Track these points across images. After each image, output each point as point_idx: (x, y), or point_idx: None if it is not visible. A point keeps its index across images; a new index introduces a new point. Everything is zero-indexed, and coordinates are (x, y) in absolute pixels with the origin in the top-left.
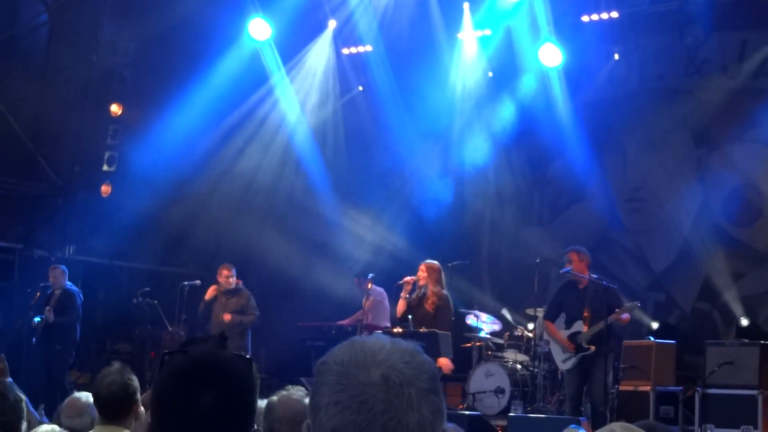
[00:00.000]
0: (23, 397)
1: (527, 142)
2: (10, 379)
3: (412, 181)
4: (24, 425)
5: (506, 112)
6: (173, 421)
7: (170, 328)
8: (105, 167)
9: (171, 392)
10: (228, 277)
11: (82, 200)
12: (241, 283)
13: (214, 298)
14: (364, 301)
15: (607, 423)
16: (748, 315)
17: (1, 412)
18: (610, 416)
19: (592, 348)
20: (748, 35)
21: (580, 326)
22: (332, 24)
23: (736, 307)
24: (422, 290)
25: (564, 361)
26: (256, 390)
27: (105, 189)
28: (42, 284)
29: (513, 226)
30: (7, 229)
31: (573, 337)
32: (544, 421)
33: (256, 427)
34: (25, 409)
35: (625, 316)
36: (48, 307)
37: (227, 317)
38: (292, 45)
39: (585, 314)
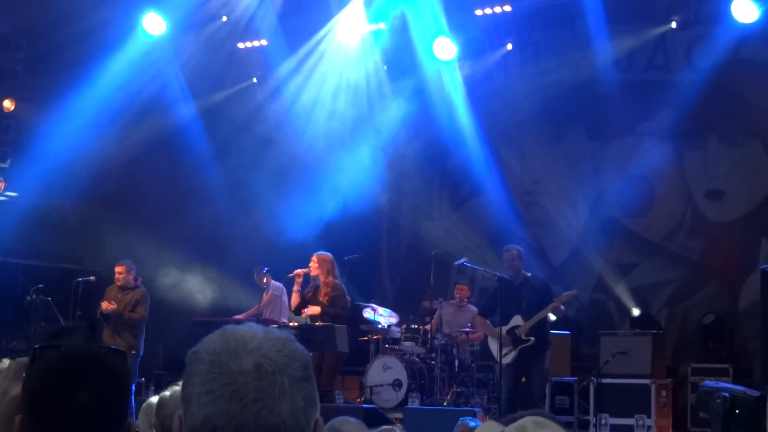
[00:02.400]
0: None
1: (425, 136)
2: None
3: (307, 174)
4: None
5: (402, 106)
6: (48, 421)
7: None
8: None
9: (44, 391)
10: (120, 274)
11: None
12: (140, 281)
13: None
14: (262, 295)
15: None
16: (642, 305)
17: None
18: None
19: (532, 339)
20: (640, 28)
21: (518, 320)
22: (224, 18)
23: (631, 298)
24: (315, 282)
25: (504, 356)
26: (131, 384)
27: None
28: None
29: (412, 220)
30: None
31: (511, 331)
32: (440, 413)
33: (135, 420)
34: None
35: (563, 307)
36: None
37: (104, 305)
38: (186, 40)
39: (522, 308)
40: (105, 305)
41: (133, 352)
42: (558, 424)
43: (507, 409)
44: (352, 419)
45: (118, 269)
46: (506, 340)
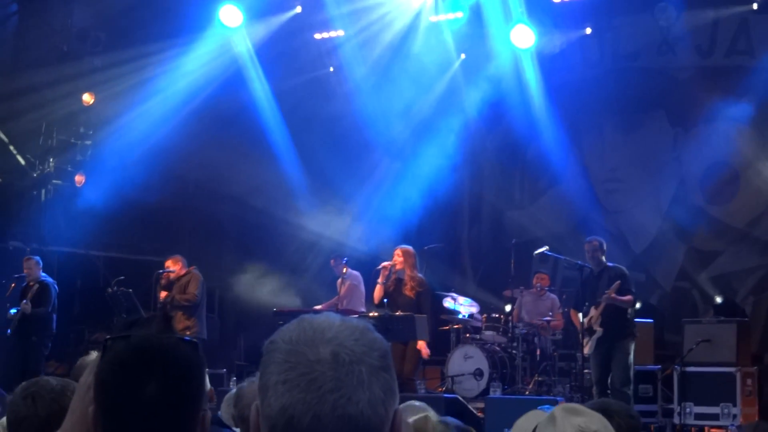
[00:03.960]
0: None
1: (504, 126)
2: None
3: (385, 164)
4: None
5: (480, 95)
6: (118, 412)
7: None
8: (78, 157)
9: (114, 382)
10: (169, 267)
11: (57, 191)
12: (193, 268)
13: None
14: (339, 285)
15: (631, 404)
16: (726, 292)
17: None
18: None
19: (600, 330)
20: (720, 13)
21: (592, 311)
22: (298, 9)
23: (715, 285)
24: (398, 275)
25: (585, 345)
26: (204, 374)
27: (79, 179)
28: (16, 276)
29: (493, 209)
30: None
31: (588, 321)
32: (521, 402)
33: (219, 412)
34: None
35: (626, 297)
36: (25, 300)
37: (162, 294)
38: (263, 31)
39: (598, 299)
40: (162, 294)
41: (188, 333)
42: (598, 412)
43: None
44: (417, 403)
45: (167, 264)
46: (585, 333)
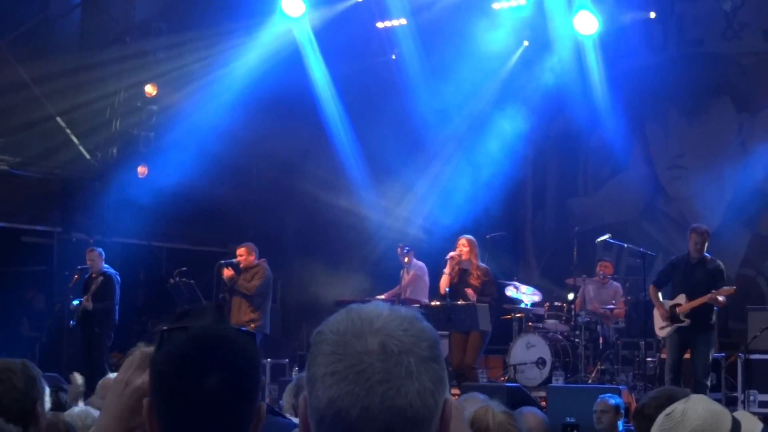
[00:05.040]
0: (36, 375)
1: (567, 113)
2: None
3: (447, 150)
4: (44, 406)
5: (543, 82)
6: (177, 405)
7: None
8: (141, 148)
9: (173, 374)
10: (241, 255)
11: (119, 182)
12: (263, 261)
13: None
14: (403, 274)
15: (707, 394)
16: None
17: (12, 397)
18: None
19: (687, 321)
20: None
21: (682, 299)
22: None
23: None
24: (462, 265)
25: (661, 329)
26: (261, 366)
27: (141, 170)
28: (79, 267)
29: (556, 197)
30: (46, 212)
31: (673, 308)
32: (583, 391)
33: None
34: (43, 389)
35: (722, 298)
36: (86, 296)
37: (227, 272)
38: (324, 19)
39: (689, 288)
40: (226, 272)
41: (252, 325)
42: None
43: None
44: (478, 395)
45: (239, 251)
46: (665, 315)
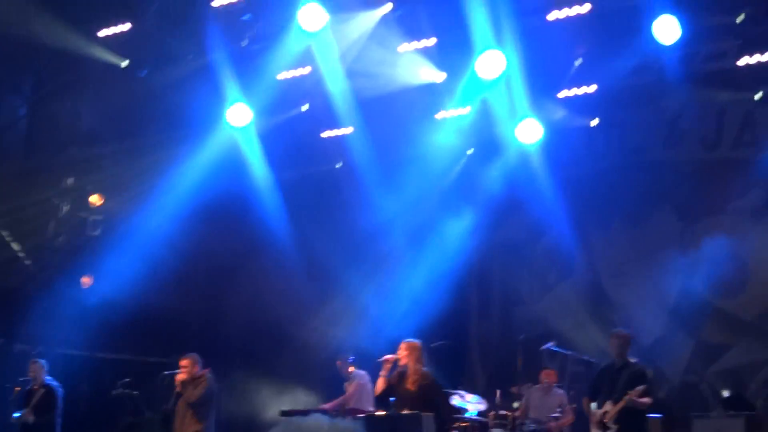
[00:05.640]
0: None
1: (511, 219)
2: None
3: (391, 259)
4: None
5: (488, 189)
6: None
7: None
8: (84, 258)
9: None
10: (185, 367)
11: (63, 293)
12: (206, 372)
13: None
14: (346, 386)
15: None
16: (736, 387)
17: None
18: None
19: (614, 427)
20: (726, 105)
21: (608, 406)
22: (305, 107)
23: (724, 380)
24: (403, 368)
25: None
26: None
27: (85, 281)
28: (21, 379)
29: (502, 305)
30: None
31: (602, 416)
32: None
33: None
34: None
35: (645, 399)
36: (27, 409)
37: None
38: (271, 130)
39: (614, 395)
40: (179, 377)
41: None
42: None
43: None
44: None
45: (183, 362)
46: (595, 426)
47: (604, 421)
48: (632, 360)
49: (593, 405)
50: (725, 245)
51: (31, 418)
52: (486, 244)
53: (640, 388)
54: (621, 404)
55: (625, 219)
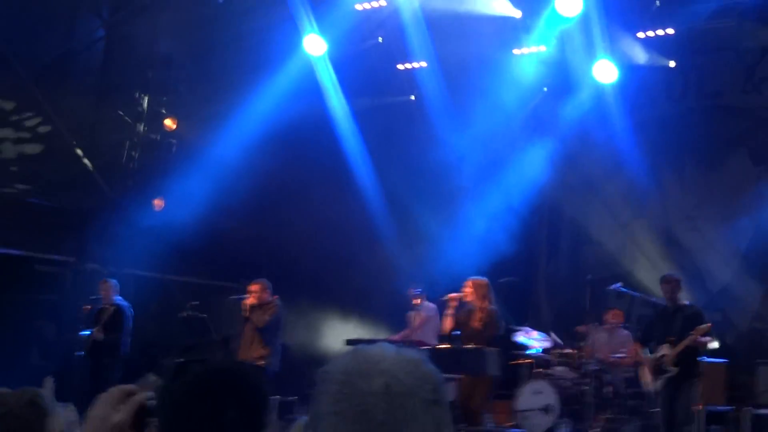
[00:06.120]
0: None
1: (584, 159)
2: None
3: (462, 194)
4: None
5: (561, 128)
6: None
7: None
8: (158, 181)
9: (192, 406)
10: (255, 292)
11: (135, 214)
12: (276, 298)
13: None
14: (413, 316)
15: None
16: None
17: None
18: None
19: (673, 369)
20: None
21: (665, 349)
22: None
23: None
24: (469, 306)
25: (649, 383)
26: (269, 402)
27: (158, 203)
28: (92, 297)
29: (571, 245)
30: (60, 242)
31: (659, 360)
32: None
33: None
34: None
35: (705, 339)
36: (98, 327)
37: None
38: (346, 60)
39: (671, 337)
40: (248, 301)
41: (262, 362)
42: None
43: None
44: None
45: (253, 287)
46: (652, 369)
47: (662, 365)
48: (685, 302)
49: (645, 351)
50: None
51: (100, 336)
52: (557, 182)
53: (704, 326)
54: (684, 344)
55: (699, 163)
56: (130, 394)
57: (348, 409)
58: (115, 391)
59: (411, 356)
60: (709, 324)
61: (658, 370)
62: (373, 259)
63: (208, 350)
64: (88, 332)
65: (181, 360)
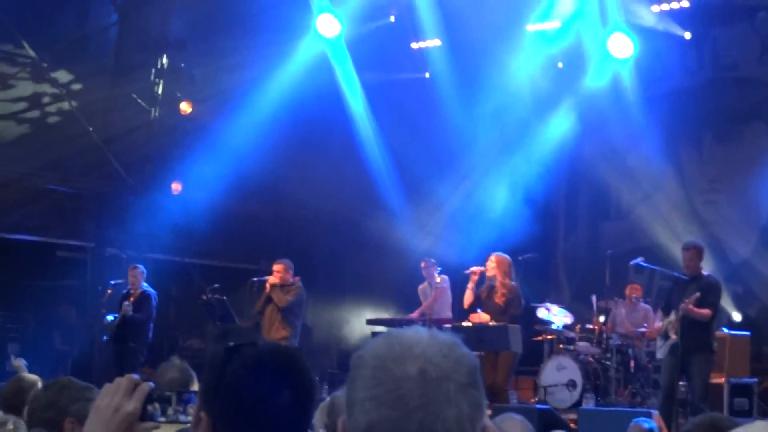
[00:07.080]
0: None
1: (601, 135)
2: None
3: (478, 170)
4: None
5: (577, 104)
6: (249, 418)
7: (240, 323)
8: (175, 165)
9: (246, 388)
10: (278, 272)
11: (154, 198)
12: (297, 279)
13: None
14: (423, 290)
15: None
16: None
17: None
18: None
19: (674, 337)
20: None
21: (673, 316)
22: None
23: None
24: (491, 282)
25: (658, 349)
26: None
27: (175, 187)
28: (113, 282)
29: (589, 220)
30: (80, 227)
31: (668, 326)
32: (615, 414)
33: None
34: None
35: (704, 310)
36: (127, 302)
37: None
38: (359, 39)
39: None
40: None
41: (285, 342)
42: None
43: (660, 407)
44: (516, 416)
45: (276, 267)
46: (660, 337)
47: (668, 331)
48: (705, 273)
49: (665, 320)
50: None
51: (129, 309)
52: (575, 158)
53: (694, 296)
54: (680, 314)
55: (717, 135)
56: (136, 383)
57: (382, 395)
58: (124, 380)
59: (445, 339)
60: (698, 294)
61: (664, 336)
62: (389, 238)
63: (248, 334)
64: (112, 317)
65: (232, 344)
